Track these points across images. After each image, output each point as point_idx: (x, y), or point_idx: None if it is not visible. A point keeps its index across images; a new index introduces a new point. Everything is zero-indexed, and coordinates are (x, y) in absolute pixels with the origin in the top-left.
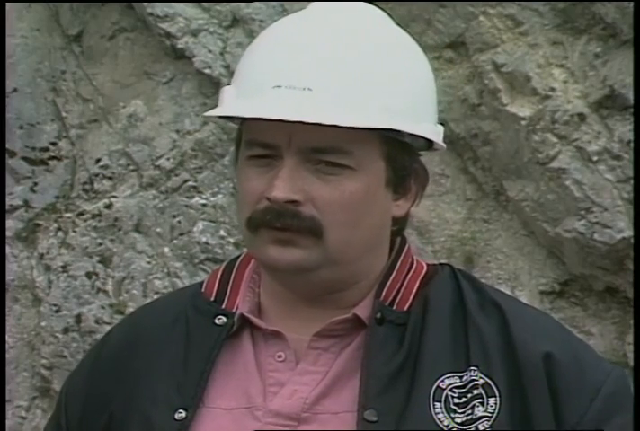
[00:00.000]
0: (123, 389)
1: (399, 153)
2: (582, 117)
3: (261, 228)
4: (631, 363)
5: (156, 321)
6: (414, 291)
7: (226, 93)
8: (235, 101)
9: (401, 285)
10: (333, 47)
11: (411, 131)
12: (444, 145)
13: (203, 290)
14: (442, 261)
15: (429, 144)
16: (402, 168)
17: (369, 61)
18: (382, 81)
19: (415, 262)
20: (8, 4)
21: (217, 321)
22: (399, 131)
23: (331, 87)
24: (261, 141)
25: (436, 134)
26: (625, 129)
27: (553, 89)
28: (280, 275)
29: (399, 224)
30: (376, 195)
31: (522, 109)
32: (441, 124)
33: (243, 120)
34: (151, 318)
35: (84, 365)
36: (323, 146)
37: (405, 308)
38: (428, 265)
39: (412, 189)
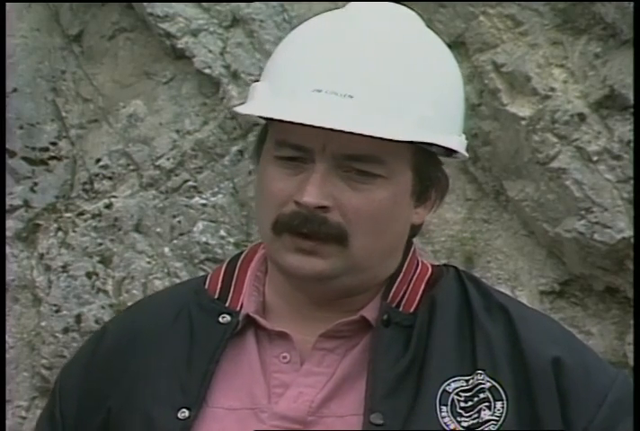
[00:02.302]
0: (121, 385)
1: (426, 163)
2: (582, 117)
3: (284, 232)
4: (631, 363)
5: (156, 317)
6: (420, 292)
7: (259, 90)
8: (270, 100)
9: (407, 287)
10: (377, 56)
11: (446, 145)
12: (467, 155)
13: (206, 287)
14: (445, 262)
15: (450, 151)
16: (427, 178)
17: (413, 73)
18: (424, 93)
19: (420, 264)
20: (8, 4)
21: (221, 320)
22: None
23: (373, 96)
24: (294, 143)
25: (463, 144)
26: (625, 129)
27: (553, 89)
28: (298, 281)
29: (414, 230)
30: (401, 204)
31: (522, 109)
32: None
33: (273, 118)
34: (150, 313)
35: (80, 358)
36: (358, 154)
37: (412, 310)
38: (433, 266)
39: (432, 197)
